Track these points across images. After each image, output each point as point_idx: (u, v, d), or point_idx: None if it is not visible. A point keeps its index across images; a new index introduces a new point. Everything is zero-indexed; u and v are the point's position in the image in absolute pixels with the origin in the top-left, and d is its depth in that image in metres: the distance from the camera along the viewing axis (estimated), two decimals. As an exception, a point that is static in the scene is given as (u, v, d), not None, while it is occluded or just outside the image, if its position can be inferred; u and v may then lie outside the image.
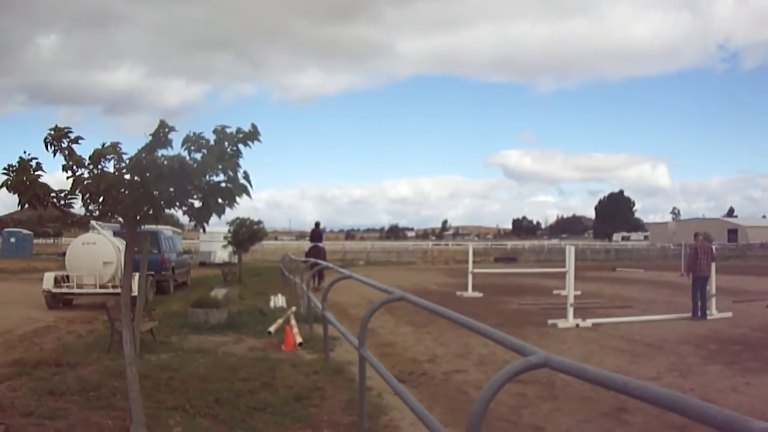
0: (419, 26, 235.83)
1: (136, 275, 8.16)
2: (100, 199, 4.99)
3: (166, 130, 4.87)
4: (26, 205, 5.05)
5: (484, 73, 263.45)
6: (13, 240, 48.86)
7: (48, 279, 16.39)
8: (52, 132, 4.95)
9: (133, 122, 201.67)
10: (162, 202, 5.05)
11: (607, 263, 45.94)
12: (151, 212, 5.12)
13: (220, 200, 4.95)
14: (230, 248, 27.20)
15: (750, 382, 8.27)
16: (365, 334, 5.75)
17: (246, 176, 4.96)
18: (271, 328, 11.78)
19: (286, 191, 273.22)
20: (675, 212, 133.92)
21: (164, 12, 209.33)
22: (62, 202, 5.08)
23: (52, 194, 5.04)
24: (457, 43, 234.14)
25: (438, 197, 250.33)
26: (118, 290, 14.09)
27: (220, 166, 4.86)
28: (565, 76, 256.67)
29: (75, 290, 16.50)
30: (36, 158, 4.97)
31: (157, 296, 18.36)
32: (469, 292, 20.13)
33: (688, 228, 51.79)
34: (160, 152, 4.85)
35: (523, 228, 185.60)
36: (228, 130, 4.93)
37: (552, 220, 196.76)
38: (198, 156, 4.86)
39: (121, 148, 4.92)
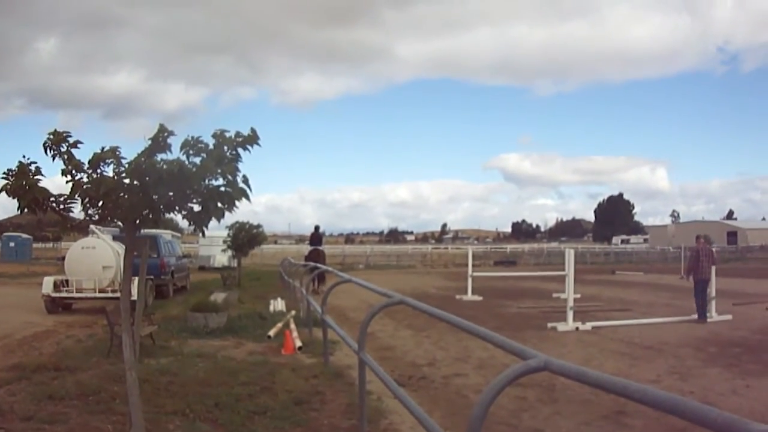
0: (418, 30, 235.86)
1: (136, 279, 8.15)
2: (100, 204, 4.99)
3: (166, 134, 4.86)
4: (25, 210, 5.04)
5: (483, 77, 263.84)
6: (12, 244, 48.77)
7: (47, 283, 16.38)
8: (52, 136, 4.94)
9: (132, 126, 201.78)
10: (161, 207, 5.04)
11: (607, 266, 45.97)
12: (150, 216, 5.11)
13: (219, 204, 4.95)
14: (230, 252, 27.18)
15: (750, 385, 8.26)
16: (365, 337, 5.74)
17: (245, 180, 4.96)
18: (271, 332, 11.77)
19: (286, 195, 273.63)
20: (674, 215, 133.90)
21: (163, 16, 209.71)
22: (61, 206, 5.07)
23: (52, 198, 5.03)
24: (455, 46, 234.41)
25: (437, 201, 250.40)
26: (118, 294, 14.09)
27: (219, 171, 4.85)
28: (564, 79, 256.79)
29: (74, 294, 16.48)
30: (35, 162, 4.97)
31: (157, 300, 18.34)
32: (469, 296, 20.13)
33: (687, 231, 51.80)
34: (160, 156, 4.84)
35: (522, 231, 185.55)
36: (227, 134, 4.93)
37: (551, 223, 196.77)
38: (197, 160, 4.86)
39: (120, 153, 4.91)
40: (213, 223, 5.22)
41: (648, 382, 7.91)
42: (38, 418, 6.36)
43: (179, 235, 32.19)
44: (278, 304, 16.19)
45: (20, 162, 4.93)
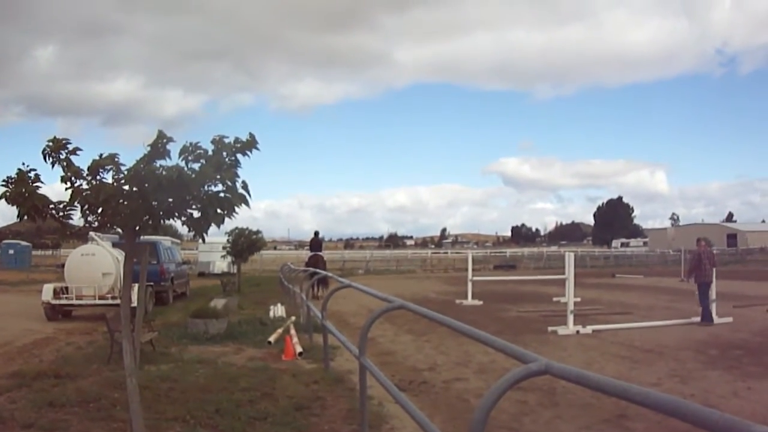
0: (417, 35, 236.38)
1: (136, 286, 8.15)
2: (99, 210, 4.99)
3: (165, 140, 4.87)
4: (25, 217, 5.05)
5: (482, 81, 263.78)
6: (11, 252, 48.73)
7: (47, 290, 16.36)
8: (51, 143, 4.95)
9: (131, 133, 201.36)
10: (161, 213, 5.05)
11: (607, 270, 45.90)
12: (149, 223, 5.12)
13: (218, 210, 4.95)
14: (229, 258, 27.17)
15: (751, 387, 8.25)
16: (365, 342, 5.74)
17: (244, 186, 4.97)
18: (271, 338, 11.76)
19: (285, 201, 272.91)
20: (674, 218, 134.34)
21: (161, 22, 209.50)
22: (61, 213, 5.08)
23: (51, 206, 5.04)
24: (454, 51, 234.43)
25: (436, 205, 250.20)
26: (118, 301, 14.09)
27: (218, 176, 4.86)
28: (563, 83, 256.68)
29: (74, 301, 16.47)
30: (34, 170, 4.98)
31: (157, 307, 18.33)
32: (469, 300, 20.11)
33: (687, 234, 51.88)
34: (159, 163, 4.85)
35: (522, 235, 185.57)
36: (226, 140, 4.94)
37: (551, 227, 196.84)
38: (196, 166, 4.86)
39: (119, 159, 4.92)
40: (212, 229, 5.23)
41: (649, 385, 7.90)
42: (39, 425, 6.35)
43: (179, 241, 32.16)
44: (278, 310, 16.17)
45: (19, 169, 4.94)
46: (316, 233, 26.11)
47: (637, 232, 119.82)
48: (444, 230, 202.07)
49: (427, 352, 11.19)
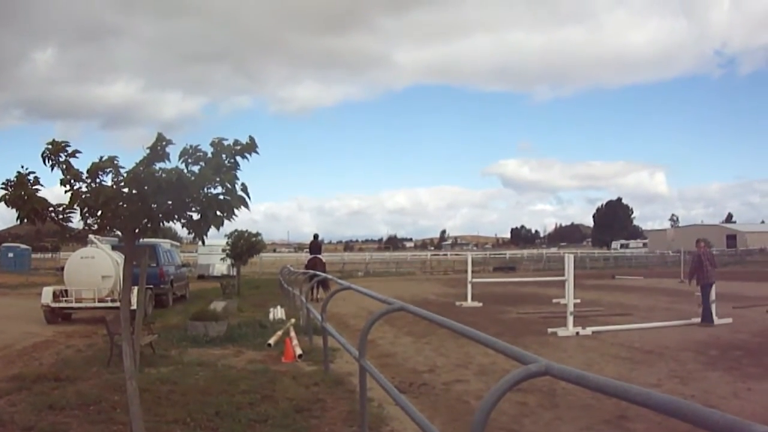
0: (416, 37, 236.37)
1: (135, 289, 8.15)
2: (99, 213, 4.99)
3: (164, 143, 4.87)
4: (24, 220, 5.05)
5: (481, 83, 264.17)
6: (11, 255, 48.70)
7: (47, 293, 16.36)
8: (50, 146, 4.95)
9: (130, 136, 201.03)
10: (160, 215, 5.04)
11: (606, 271, 45.94)
12: (149, 225, 5.12)
13: (218, 213, 4.95)
14: (229, 261, 27.15)
15: (751, 388, 8.25)
16: (365, 344, 5.74)
17: (244, 188, 4.97)
18: (271, 341, 11.75)
19: (284, 203, 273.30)
20: (673, 219, 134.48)
21: (160, 25, 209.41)
22: (60, 216, 5.08)
23: (51, 208, 5.04)
24: (453, 53, 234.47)
25: (436, 207, 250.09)
26: (117, 304, 14.10)
27: (217, 179, 4.86)
28: (562, 85, 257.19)
29: (74, 304, 16.45)
30: (34, 173, 4.98)
31: (156, 309, 18.31)
32: (469, 302, 20.10)
33: (686, 235, 51.90)
34: (158, 165, 4.85)
35: (521, 237, 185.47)
36: (225, 143, 4.94)
37: (550, 228, 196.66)
38: (196, 169, 4.86)
39: (118, 162, 4.92)
40: (212, 231, 5.22)
41: (649, 386, 7.87)
42: (39, 428, 6.35)
43: (178, 244, 32.21)
44: (278, 313, 16.16)
45: (19, 172, 4.95)
46: (316, 236, 26.10)
47: (636, 233, 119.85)
48: (443, 232, 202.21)
49: (427, 353, 11.18)
